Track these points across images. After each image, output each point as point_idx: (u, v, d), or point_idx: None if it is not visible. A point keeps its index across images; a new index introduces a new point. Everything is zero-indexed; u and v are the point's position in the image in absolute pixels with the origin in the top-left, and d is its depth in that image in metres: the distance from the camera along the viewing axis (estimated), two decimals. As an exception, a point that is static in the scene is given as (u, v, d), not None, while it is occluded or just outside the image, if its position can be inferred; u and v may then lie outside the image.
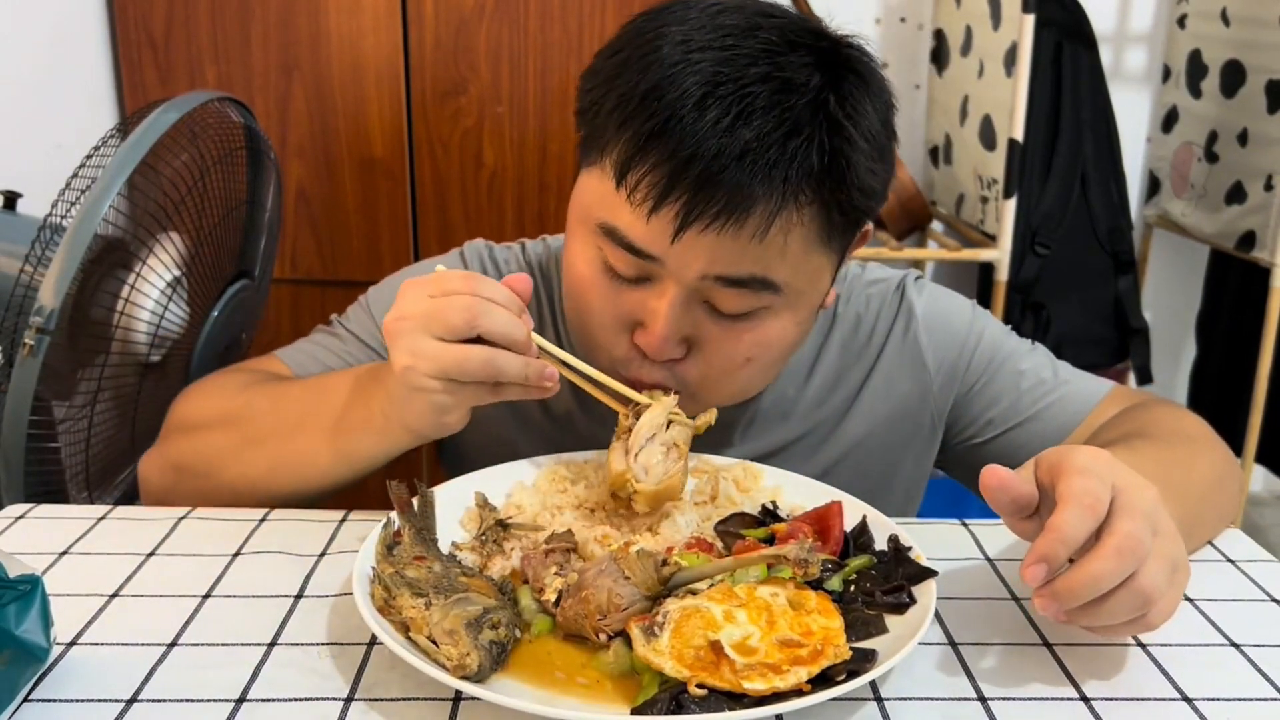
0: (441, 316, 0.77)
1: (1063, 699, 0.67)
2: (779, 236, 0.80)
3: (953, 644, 0.73)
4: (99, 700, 0.65)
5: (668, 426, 0.85)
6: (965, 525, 0.92)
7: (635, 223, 0.81)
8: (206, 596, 0.78)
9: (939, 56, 2.53)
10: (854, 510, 0.83)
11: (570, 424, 1.03)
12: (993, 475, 0.68)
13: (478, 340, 0.78)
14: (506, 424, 1.04)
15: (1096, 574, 0.63)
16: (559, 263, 1.07)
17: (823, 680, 0.63)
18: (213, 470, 0.95)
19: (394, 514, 0.78)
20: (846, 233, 0.86)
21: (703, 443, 0.90)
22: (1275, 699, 0.68)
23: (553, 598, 0.71)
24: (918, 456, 1.06)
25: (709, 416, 0.88)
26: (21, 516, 0.91)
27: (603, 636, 0.68)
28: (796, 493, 0.89)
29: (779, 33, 0.81)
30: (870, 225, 0.94)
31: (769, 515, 0.85)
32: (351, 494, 0.96)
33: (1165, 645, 0.74)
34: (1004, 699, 0.67)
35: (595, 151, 0.84)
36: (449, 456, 1.11)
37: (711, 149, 0.76)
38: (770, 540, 0.79)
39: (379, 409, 0.86)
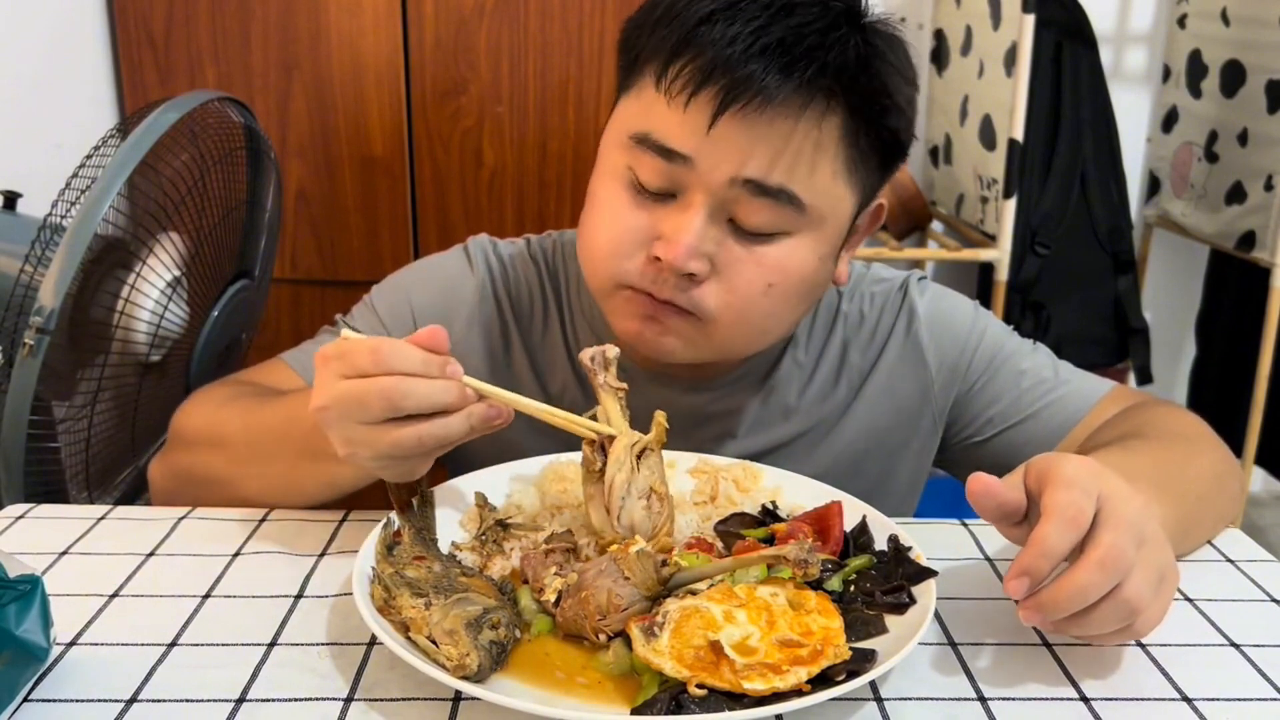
0: (360, 405, 0.71)
1: (1063, 699, 0.67)
2: (808, 139, 0.82)
3: (952, 644, 0.73)
4: (99, 700, 0.65)
5: (638, 465, 0.79)
6: (965, 525, 0.92)
7: (670, 118, 0.82)
8: (206, 596, 0.78)
9: (939, 56, 2.53)
10: (854, 510, 0.83)
11: (574, 409, 1.03)
12: (978, 482, 0.68)
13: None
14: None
15: (1080, 586, 0.63)
16: (566, 256, 1.07)
17: (822, 680, 0.63)
18: (211, 485, 0.95)
19: (394, 514, 0.78)
20: (871, 163, 0.87)
21: (704, 440, 0.89)
22: (1275, 699, 0.68)
23: (552, 598, 0.71)
24: (918, 455, 1.07)
25: (661, 419, 0.82)
26: (21, 516, 0.91)
27: (602, 637, 0.68)
28: (796, 493, 0.89)
29: None
30: (884, 201, 0.95)
31: (769, 515, 0.85)
32: (351, 494, 0.96)
33: (1165, 645, 0.74)
34: (1004, 699, 0.67)
35: (634, 71, 0.87)
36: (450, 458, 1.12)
37: (748, 39, 0.79)
38: (770, 540, 0.79)
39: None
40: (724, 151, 0.82)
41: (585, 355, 0.81)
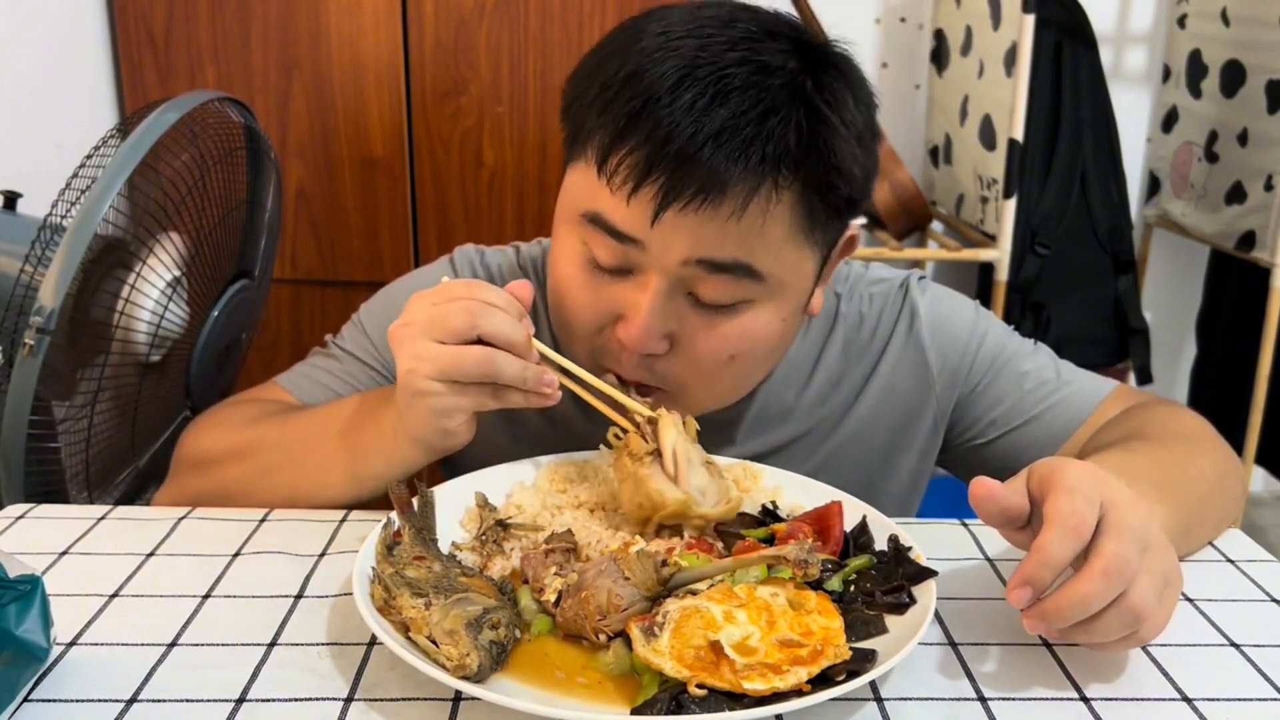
0: (442, 321, 0.79)
1: (1063, 699, 0.67)
2: (758, 219, 0.80)
3: (953, 644, 0.73)
4: (99, 700, 0.65)
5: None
6: (965, 525, 0.92)
7: (617, 206, 0.82)
8: (206, 596, 0.78)
9: (939, 56, 2.53)
10: (854, 510, 0.83)
11: (570, 428, 1.03)
12: (981, 486, 0.68)
13: (478, 343, 0.80)
14: (504, 431, 1.03)
15: (1084, 595, 0.63)
16: None
17: (822, 680, 0.63)
18: (229, 502, 0.95)
19: (394, 514, 0.78)
20: (829, 225, 0.86)
21: (705, 441, 0.89)
22: (1275, 699, 0.68)
23: (552, 598, 0.71)
24: (919, 456, 1.06)
25: (692, 420, 0.87)
26: (21, 516, 0.91)
27: (602, 637, 0.68)
28: (796, 493, 0.89)
29: (758, 24, 0.83)
30: (857, 231, 0.94)
31: (769, 515, 0.84)
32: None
33: (1165, 645, 0.74)
34: (1004, 699, 0.67)
35: (578, 145, 0.86)
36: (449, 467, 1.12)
37: (688, 129, 0.77)
38: (770, 540, 0.79)
39: (388, 426, 0.87)
40: (674, 236, 0.81)
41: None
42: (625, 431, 0.85)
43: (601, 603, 0.68)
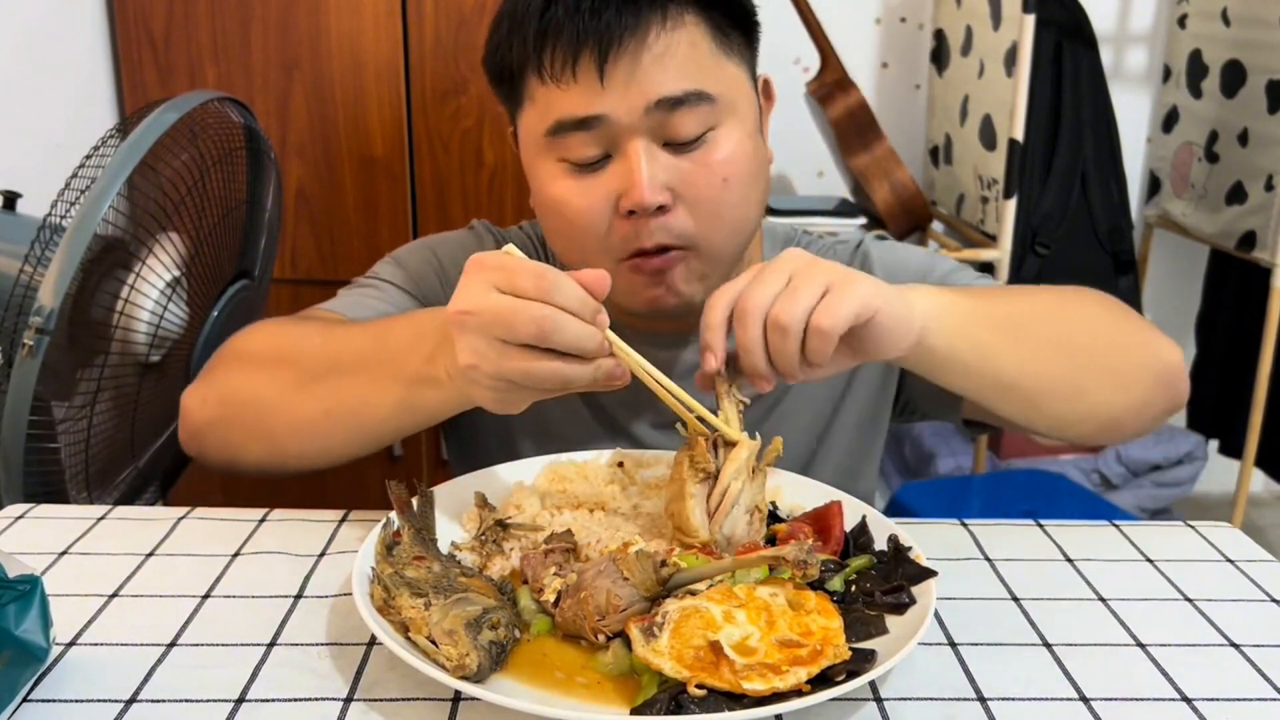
0: (509, 325, 0.72)
1: (1063, 699, 0.67)
2: (682, 46, 0.89)
3: (953, 644, 0.73)
4: (99, 700, 0.65)
5: (751, 479, 0.79)
6: (965, 525, 0.92)
7: (567, 96, 0.89)
8: (206, 596, 0.78)
9: (939, 56, 2.53)
10: (853, 510, 0.83)
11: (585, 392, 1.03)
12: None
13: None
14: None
15: (744, 335, 0.74)
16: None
17: (822, 680, 0.63)
18: (263, 408, 0.92)
19: (393, 514, 0.78)
20: (737, 36, 0.94)
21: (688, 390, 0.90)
22: (1275, 699, 0.68)
23: (551, 598, 0.71)
24: (875, 395, 1.08)
25: (778, 445, 0.82)
26: (21, 516, 0.91)
27: (601, 637, 0.68)
28: (796, 493, 0.89)
29: None
30: (771, 81, 1.01)
31: (769, 516, 0.84)
32: (351, 494, 0.96)
33: (1165, 645, 0.74)
34: (1004, 699, 0.67)
35: (517, 85, 0.93)
36: (455, 440, 1.14)
37: None
38: (770, 541, 0.79)
39: (444, 370, 0.81)
40: (626, 92, 0.88)
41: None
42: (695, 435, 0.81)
43: (600, 603, 0.68)
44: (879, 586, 0.73)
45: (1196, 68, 2.46)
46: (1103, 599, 0.80)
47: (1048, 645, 0.73)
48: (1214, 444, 2.61)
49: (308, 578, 0.80)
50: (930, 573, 0.74)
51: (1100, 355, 0.92)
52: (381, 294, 1.06)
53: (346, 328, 0.96)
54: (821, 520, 0.81)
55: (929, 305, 0.81)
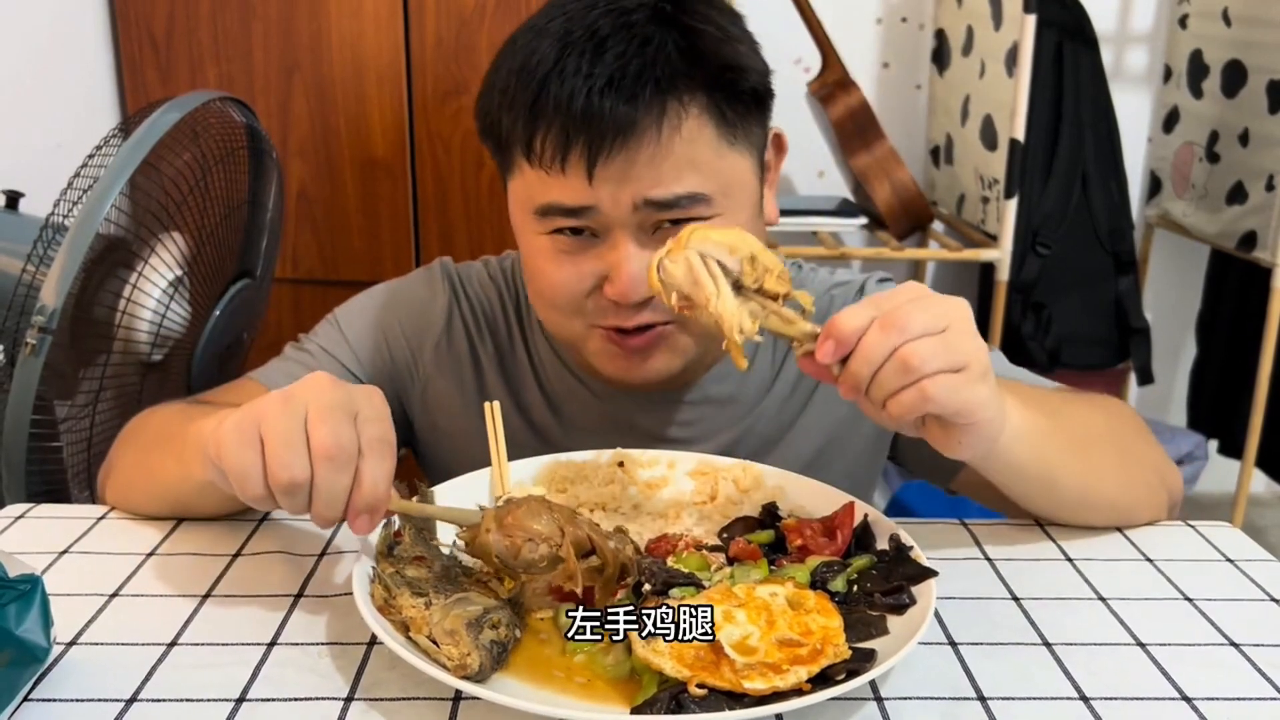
0: (250, 483, 0.68)
1: (1063, 699, 0.67)
2: (679, 144, 0.85)
3: (953, 644, 0.73)
4: (99, 700, 0.65)
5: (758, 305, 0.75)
6: (965, 525, 0.92)
7: (556, 185, 0.86)
8: (206, 596, 0.78)
9: (940, 56, 2.53)
10: (857, 510, 0.83)
11: (547, 438, 1.04)
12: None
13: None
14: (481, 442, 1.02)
15: (865, 345, 0.68)
16: (520, 276, 1.08)
17: (822, 680, 0.63)
18: (131, 481, 0.93)
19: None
20: (746, 124, 0.90)
21: (677, 438, 0.89)
22: (1275, 699, 0.68)
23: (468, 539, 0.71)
24: (874, 442, 1.07)
25: (807, 303, 0.76)
26: (21, 516, 0.91)
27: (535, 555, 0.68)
28: (798, 493, 0.88)
29: None
30: (782, 130, 0.97)
31: (770, 517, 0.84)
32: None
33: (1165, 645, 0.74)
34: (1004, 699, 0.67)
35: (504, 155, 0.91)
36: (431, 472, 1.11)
37: (583, 89, 0.83)
38: (771, 545, 0.79)
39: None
40: (616, 188, 0.85)
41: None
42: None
43: (526, 526, 0.69)
44: (879, 587, 0.73)
45: (1197, 68, 2.46)
46: (1103, 598, 0.80)
47: (1048, 645, 0.73)
48: (1214, 444, 2.61)
49: (308, 578, 0.80)
50: (931, 572, 0.74)
51: (1139, 476, 0.93)
52: (313, 361, 1.03)
53: (203, 412, 0.89)
54: (834, 522, 0.81)
55: (1015, 424, 0.77)
